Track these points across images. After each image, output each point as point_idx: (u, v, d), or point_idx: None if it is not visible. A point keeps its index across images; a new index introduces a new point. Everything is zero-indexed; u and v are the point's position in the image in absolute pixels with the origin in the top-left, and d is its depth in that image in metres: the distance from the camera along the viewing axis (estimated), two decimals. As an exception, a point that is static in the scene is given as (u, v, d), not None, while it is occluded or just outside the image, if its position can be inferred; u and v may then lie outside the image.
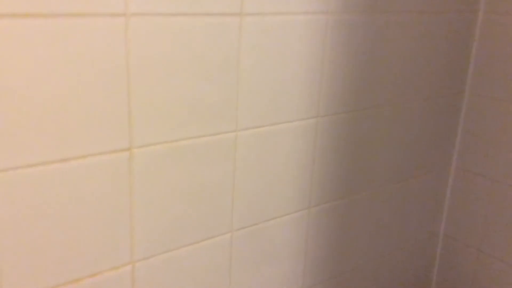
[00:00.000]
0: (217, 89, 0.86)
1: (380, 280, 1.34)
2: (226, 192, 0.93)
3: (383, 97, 1.14)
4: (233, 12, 0.83)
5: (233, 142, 0.91)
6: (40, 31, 0.66)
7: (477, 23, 1.29)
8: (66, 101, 0.70)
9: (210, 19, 0.81)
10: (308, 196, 1.07)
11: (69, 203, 0.74)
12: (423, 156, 1.31)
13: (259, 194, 0.98)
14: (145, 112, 0.78)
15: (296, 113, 0.98)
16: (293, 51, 0.93)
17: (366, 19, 1.03)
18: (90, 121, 0.73)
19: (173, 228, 0.87)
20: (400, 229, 1.33)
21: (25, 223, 0.71)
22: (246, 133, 0.92)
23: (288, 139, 0.99)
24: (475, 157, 1.36)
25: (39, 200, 0.71)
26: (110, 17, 0.71)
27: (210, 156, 0.89)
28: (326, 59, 0.99)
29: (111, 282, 0.81)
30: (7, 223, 0.70)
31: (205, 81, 0.84)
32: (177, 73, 0.80)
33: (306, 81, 0.98)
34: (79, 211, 0.76)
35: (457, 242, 1.44)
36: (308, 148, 1.03)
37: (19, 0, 0.63)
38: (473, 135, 1.35)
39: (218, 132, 0.88)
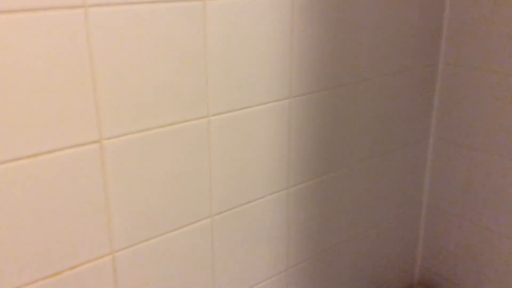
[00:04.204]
0: (186, 75, 0.86)
1: (365, 254, 1.36)
2: (203, 177, 0.93)
3: (356, 73, 1.14)
4: (196, -3, 0.83)
5: (206, 128, 0.91)
6: (0, 28, 0.65)
7: (447, -7, 1.29)
8: (32, 97, 0.70)
9: (171, 5, 0.80)
10: (286, 176, 1.07)
11: (43, 198, 0.75)
12: (401, 129, 1.31)
13: (237, 177, 0.99)
14: (113, 103, 0.78)
15: (268, 95, 0.98)
16: (260, 31, 0.93)
17: (333, -4, 1.03)
18: (57, 115, 0.73)
19: (152, 216, 0.88)
20: (383, 202, 1.34)
21: (0, 220, 0.72)
22: (218, 118, 0.92)
23: (262, 121, 0.99)
24: (453, 126, 1.37)
25: (13, 197, 0.72)
26: (68, 9, 0.70)
27: (184, 143, 0.89)
28: (295, 38, 0.99)
29: (91, 273, 0.82)
30: (-19, 222, 0.70)
31: (173, 67, 0.84)
32: (143, 62, 0.80)
33: (276, 61, 0.98)
34: (53, 206, 0.76)
35: (440, 211, 1.46)
36: (283, 129, 1.03)
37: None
38: (450, 105, 1.36)
39: (189, 118, 0.88)
